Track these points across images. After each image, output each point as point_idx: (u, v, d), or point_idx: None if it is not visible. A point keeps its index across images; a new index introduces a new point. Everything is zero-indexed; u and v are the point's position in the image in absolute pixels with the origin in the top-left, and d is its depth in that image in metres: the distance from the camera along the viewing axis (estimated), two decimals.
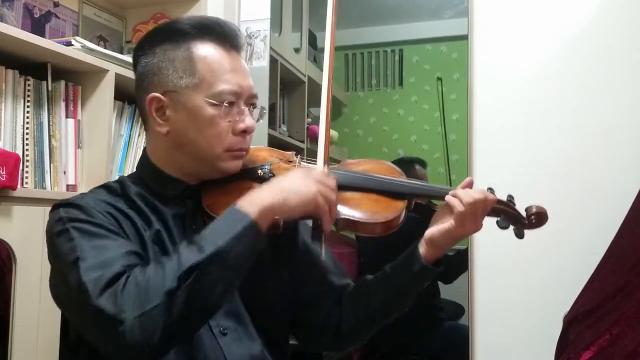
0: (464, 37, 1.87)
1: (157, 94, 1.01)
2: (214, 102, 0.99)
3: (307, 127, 3.00)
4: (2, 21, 1.46)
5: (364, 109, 3.86)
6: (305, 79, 3.01)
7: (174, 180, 1.05)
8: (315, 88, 3.22)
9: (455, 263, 1.85)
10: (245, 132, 1.02)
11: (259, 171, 1.05)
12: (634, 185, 1.50)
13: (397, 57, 3.84)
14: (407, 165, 2.53)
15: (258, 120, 1.07)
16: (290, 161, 1.11)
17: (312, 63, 3.25)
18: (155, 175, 1.06)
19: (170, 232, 1.02)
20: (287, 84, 2.89)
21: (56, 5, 1.72)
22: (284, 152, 1.15)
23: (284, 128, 2.83)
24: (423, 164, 2.62)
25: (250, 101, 1.04)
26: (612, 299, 1.31)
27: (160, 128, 1.02)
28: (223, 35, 1.03)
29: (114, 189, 1.04)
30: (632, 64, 1.71)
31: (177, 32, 1.02)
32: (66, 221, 0.93)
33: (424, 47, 3.79)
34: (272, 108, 2.51)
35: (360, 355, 2.63)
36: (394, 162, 1.15)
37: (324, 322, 1.13)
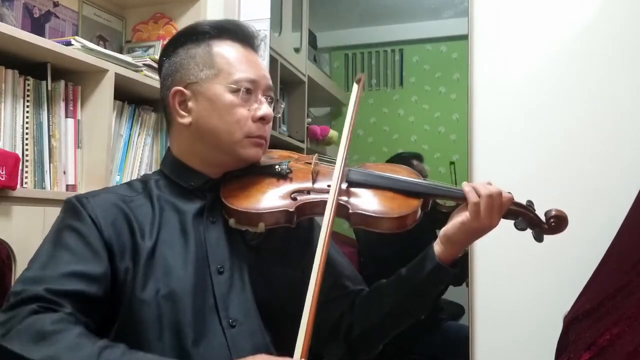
0: (464, 37, 1.87)
1: (180, 88, 1.07)
2: (233, 87, 1.04)
3: (307, 127, 3.00)
4: (2, 21, 1.46)
5: (364, 109, 3.85)
6: (305, 79, 3.00)
7: (196, 173, 1.09)
8: (315, 88, 3.22)
9: (463, 264, 1.84)
10: (264, 119, 1.07)
11: (277, 167, 1.09)
12: (634, 186, 1.50)
13: (397, 57, 3.83)
14: (405, 160, 2.53)
15: (277, 113, 1.14)
16: (309, 162, 1.14)
17: (312, 63, 3.24)
18: (177, 168, 1.10)
19: (185, 230, 1.03)
20: (287, 84, 2.89)
21: (56, 5, 1.72)
22: (303, 155, 1.19)
23: (284, 128, 2.83)
24: (420, 158, 2.62)
25: (267, 93, 1.10)
26: (612, 299, 1.31)
27: (183, 119, 1.07)
28: (240, 35, 1.11)
29: (136, 186, 1.09)
30: (633, 64, 1.71)
31: (197, 33, 1.10)
32: (59, 221, 1.01)
33: (424, 47, 3.78)
34: None
35: None
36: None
37: (334, 326, 1.12)
